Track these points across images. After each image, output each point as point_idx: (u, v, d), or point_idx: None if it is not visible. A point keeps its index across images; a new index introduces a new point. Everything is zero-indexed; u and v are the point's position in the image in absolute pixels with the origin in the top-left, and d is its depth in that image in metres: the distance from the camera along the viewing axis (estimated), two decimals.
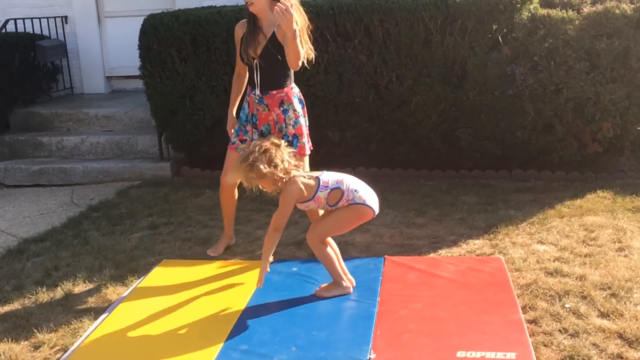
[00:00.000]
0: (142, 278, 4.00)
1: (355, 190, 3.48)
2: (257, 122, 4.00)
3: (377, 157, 5.95)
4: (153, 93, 6.13)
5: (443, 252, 4.25)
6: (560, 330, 3.19)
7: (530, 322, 3.29)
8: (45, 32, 7.91)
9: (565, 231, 4.42)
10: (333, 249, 3.66)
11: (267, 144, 3.41)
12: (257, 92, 3.92)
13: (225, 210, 4.38)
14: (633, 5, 5.28)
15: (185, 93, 6.01)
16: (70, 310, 3.68)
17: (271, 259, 3.57)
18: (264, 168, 3.34)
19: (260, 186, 3.46)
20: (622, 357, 2.96)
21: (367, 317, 3.38)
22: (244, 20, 3.96)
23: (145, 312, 3.57)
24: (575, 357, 2.97)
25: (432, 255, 4.21)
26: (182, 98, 6.03)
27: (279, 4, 3.49)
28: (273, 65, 3.85)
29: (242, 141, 4.07)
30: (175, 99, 6.04)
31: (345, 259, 3.82)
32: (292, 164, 3.46)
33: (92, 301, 3.80)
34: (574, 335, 3.15)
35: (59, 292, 3.92)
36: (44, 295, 3.89)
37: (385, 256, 4.09)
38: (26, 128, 7.26)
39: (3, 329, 3.51)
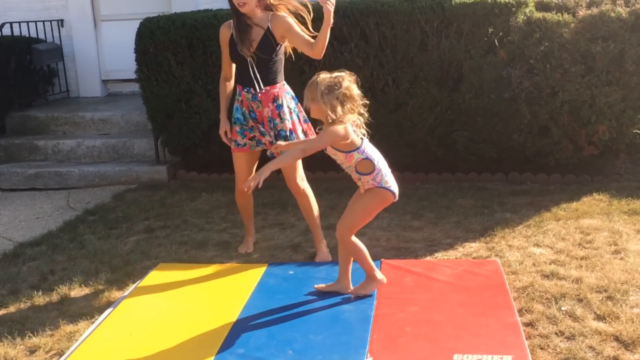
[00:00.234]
0: (138, 282, 3.99)
1: (385, 174, 3.51)
2: (257, 116, 4.06)
3: None
4: (149, 96, 6.12)
5: (439, 255, 4.26)
6: (556, 333, 3.20)
7: (527, 324, 3.30)
8: (42, 36, 7.92)
9: (561, 234, 4.43)
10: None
11: (352, 85, 3.43)
12: (252, 88, 3.99)
13: (244, 212, 4.45)
14: (628, 9, 5.29)
15: (182, 96, 6.01)
16: (66, 315, 3.67)
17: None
18: (335, 102, 3.35)
19: (310, 108, 3.46)
20: None
21: (363, 320, 3.38)
22: (229, 21, 4.05)
23: (141, 316, 3.57)
24: (571, 359, 2.98)
25: (428, 258, 4.22)
26: (179, 101, 6.03)
27: None
28: (267, 62, 3.96)
29: (252, 139, 4.11)
30: (172, 102, 6.04)
31: None
32: (352, 115, 3.46)
33: (88, 305, 3.78)
34: (570, 338, 3.15)
35: (54, 296, 3.91)
36: (39, 299, 3.88)
37: (382, 259, 4.08)
38: (22, 131, 7.24)
39: None
